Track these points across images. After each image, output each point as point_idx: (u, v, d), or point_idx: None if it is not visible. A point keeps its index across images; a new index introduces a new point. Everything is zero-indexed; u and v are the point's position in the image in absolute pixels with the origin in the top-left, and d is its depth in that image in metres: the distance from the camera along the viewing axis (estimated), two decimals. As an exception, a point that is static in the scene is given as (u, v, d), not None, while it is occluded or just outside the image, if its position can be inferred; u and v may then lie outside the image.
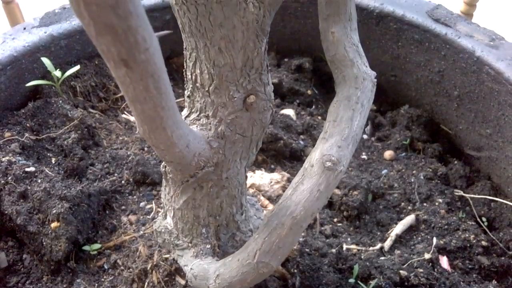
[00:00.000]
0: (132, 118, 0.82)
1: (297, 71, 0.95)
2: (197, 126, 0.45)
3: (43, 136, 0.78)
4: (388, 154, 0.84)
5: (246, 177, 0.51)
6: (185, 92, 0.48)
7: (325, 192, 0.38)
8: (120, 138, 0.83)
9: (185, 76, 0.47)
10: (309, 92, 0.94)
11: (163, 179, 0.49)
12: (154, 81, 0.29)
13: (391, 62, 0.92)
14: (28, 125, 0.79)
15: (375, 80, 0.43)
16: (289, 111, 0.87)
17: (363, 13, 0.87)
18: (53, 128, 0.80)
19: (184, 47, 0.46)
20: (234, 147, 0.46)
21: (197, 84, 0.46)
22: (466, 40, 0.77)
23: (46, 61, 0.81)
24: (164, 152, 0.39)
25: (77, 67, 0.82)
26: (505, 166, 0.80)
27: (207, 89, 0.45)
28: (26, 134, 0.77)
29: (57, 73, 0.80)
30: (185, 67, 0.47)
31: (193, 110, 0.47)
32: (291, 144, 0.79)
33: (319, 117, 0.89)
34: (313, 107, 0.94)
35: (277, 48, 1.02)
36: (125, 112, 0.80)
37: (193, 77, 0.46)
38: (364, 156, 0.85)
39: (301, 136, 0.83)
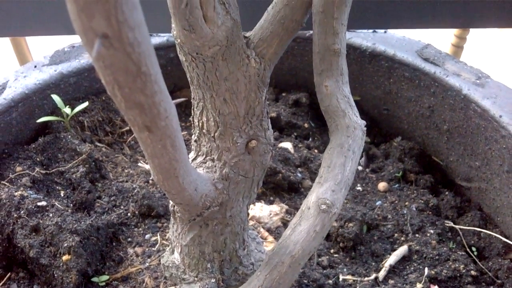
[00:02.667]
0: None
1: (294, 105, 1.00)
2: (203, 169, 0.50)
3: (53, 170, 0.82)
4: (382, 185, 0.88)
5: (248, 214, 0.55)
6: (192, 136, 0.52)
7: (321, 232, 0.42)
8: (126, 171, 0.87)
9: (192, 122, 0.51)
10: (306, 125, 0.98)
11: (171, 217, 0.52)
12: (171, 140, 0.33)
13: (383, 96, 0.97)
14: (38, 159, 0.83)
15: (365, 128, 0.47)
16: (287, 144, 0.91)
17: (357, 51, 0.92)
18: (62, 162, 0.84)
19: (192, 97, 0.50)
20: (237, 187, 0.50)
21: (204, 130, 0.50)
22: (453, 79, 0.82)
23: (56, 98, 0.85)
24: (175, 196, 0.43)
25: (86, 104, 0.87)
26: (494, 197, 0.84)
27: (212, 135, 0.50)
28: (37, 169, 0.80)
29: (67, 110, 0.84)
30: (192, 114, 0.51)
31: (199, 154, 0.51)
32: (289, 177, 0.83)
33: (316, 150, 0.93)
34: (310, 139, 0.98)
35: (275, 83, 1.07)
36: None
37: (200, 124, 0.50)
38: (359, 188, 0.89)
39: (299, 169, 0.87)
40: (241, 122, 0.49)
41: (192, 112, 0.51)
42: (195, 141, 0.51)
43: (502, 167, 0.78)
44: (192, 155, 0.52)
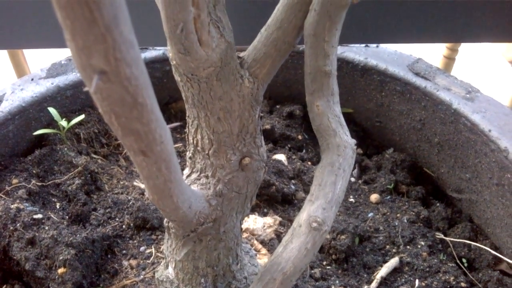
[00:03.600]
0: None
1: (288, 117, 1.01)
2: (197, 186, 0.51)
3: (49, 182, 0.83)
4: (374, 197, 0.89)
5: (241, 229, 0.56)
6: (187, 153, 0.53)
7: (312, 249, 0.43)
8: (121, 182, 0.88)
9: (187, 139, 0.53)
10: (299, 137, 1.00)
11: (165, 233, 0.54)
12: (166, 163, 0.34)
13: (375, 109, 0.99)
14: (34, 171, 0.84)
15: (355, 147, 0.48)
16: (281, 156, 0.92)
17: (349, 65, 0.94)
18: (58, 174, 0.84)
19: (187, 115, 0.51)
20: (230, 203, 0.52)
21: (198, 148, 0.51)
22: (444, 93, 0.84)
23: (52, 110, 0.86)
24: (169, 214, 0.44)
25: (82, 116, 0.88)
26: (484, 208, 0.86)
27: (207, 152, 0.51)
28: (33, 181, 0.81)
29: (63, 122, 0.85)
30: (187, 132, 0.52)
31: (194, 170, 0.52)
32: (283, 189, 0.84)
33: (309, 162, 0.95)
34: (304, 151, 0.99)
35: (269, 95, 1.08)
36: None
37: (195, 142, 0.51)
38: (351, 199, 0.90)
39: (292, 181, 0.89)
40: (234, 140, 0.50)
41: (187, 130, 0.52)
42: (190, 158, 0.53)
43: (492, 180, 0.80)
44: (186, 171, 0.53)
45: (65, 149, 0.86)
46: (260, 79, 0.51)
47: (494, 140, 0.75)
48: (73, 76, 0.90)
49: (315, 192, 0.45)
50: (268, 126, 0.98)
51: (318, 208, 0.44)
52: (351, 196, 0.91)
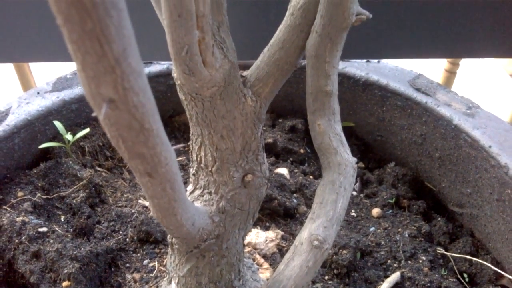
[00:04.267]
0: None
1: (290, 131, 1.02)
2: (201, 202, 0.52)
3: (54, 195, 0.84)
4: (375, 211, 0.90)
5: (244, 245, 0.57)
6: (191, 170, 0.54)
7: (313, 267, 0.43)
8: (125, 195, 0.89)
9: (190, 156, 0.54)
10: (301, 150, 1.00)
11: (169, 249, 0.54)
12: (170, 184, 0.35)
13: (377, 124, 1.00)
14: (39, 184, 0.85)
15: (356, 165, 0.49)
16: (283, 170, 0.93)
17: (351, 81, 0.95)
18: (63, 187, 0.85)
19: (191, 133, 0.52)
20: (233, 220, 0.52)
21: (202, 165, 0.52)
22: (444, 109, 0.85)
23: (58, 124, 0.88)
24: (173, 231, 0.44)
25: (87, 130, 0.89)
26: (485, 223, 0.86)
27: (210, 169, 0.52)
28: (38, 194, 0.82)
29: (68, 136, 0.86)
30: (191, 149, 0.53)
31: (197, 187, 0.53)
32: (285, 203, 0.85)
33: (311, 176, 0.95)
34: (306, 165, 1.00)
35: (272, 108, 1.09)
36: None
37: (198, 159, 0.52)
38: (353, 213, 0.91)
39: (294, 195, 0.89)
40: (237, 157, 0.51)
41: (191, 147, 0.53)
42: (193, 174, 0.53)
43: (492, 195, 0.81)
44: (190, 188, 0.54)
45: (70, 162, 0.87)
46: (263, 98, 0.52)
47: (494, 156, 0.76)
48: (78, 90, 0.92)
49: (316, 210, 0.46)
50: (270, 140, 0.99)
51: (319, 226, 0.44)
52: (352, 210, 0.92)
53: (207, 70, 0.45)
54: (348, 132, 1.07)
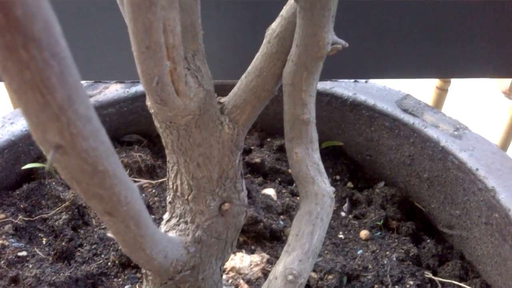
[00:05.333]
0: None
1: (279, 150, 1.01)
2: (176, 232, 0.50)
3: (36, 217, 0.82)
4: (363, 233, 0.89)
5: (221, 275, 0.55)
6: (167, 197, 0.53)
7: (288, 302, 0.42)
8: (109, 217, 0.87)
9: (167, 184, 0.53)
10: (290, 170, 0.99)
11: (143, 279, 0.53)
12: (134, 221, 0.34)
13: (365, 143, 0.99)
14: (22, 206, 0.83)
15: (333, 195, 0.48)
16: (270, 191, 0.92)
17: (338, 100, 0.95)
18: (46, 209, 0.84)
19: (167, 160, 0.51)
20: (210, 250, 0.51)
21: (178, 193, 0.51)
22: (432, 130, 0.84)
23: (42, 145, 0.86)
24: (144, 264, 0.43)
25: (71, 151, 0.88)
26: (475, 245, 0.85)
27: (186, 197, 0.51)
28: (20, 216, 0.81)
29: (52, 157, 0.85)
30: (167, 176, 0.52)
31: (173, 215, 0.52)
32: (271, 225, 0.84)
33: (298, 197, 0.94)
34: (294, 185, 0.99)
35: (261, 127, 1.09)
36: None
37: (174, 187, 0.51)
38: (341, 236, 0.89)
39: (281, 217, 0.88)
40: (214, 185, 0.50)
41: (167, 174, 0.52)
42: (170, 202, 0.52)
43: (481, 218, 0.79)
44: (166, 216, 0.53)
45: (53, 183, 0.86)
46: (241, 125, 0.51)
47: (481, 179, 0.75)
48: (63, 110, 0.91)
49: (292, 242, 0.45)
50: (258, 160, 0.98)
51: (294, 260, 0.43)
52: (340, 232, 0.90)
53: (180, 100, 0.44)
54: (338, 151, 1.06)
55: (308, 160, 0.48)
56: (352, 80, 0.96)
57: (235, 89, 0.51)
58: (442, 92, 1.28)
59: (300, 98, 0.47)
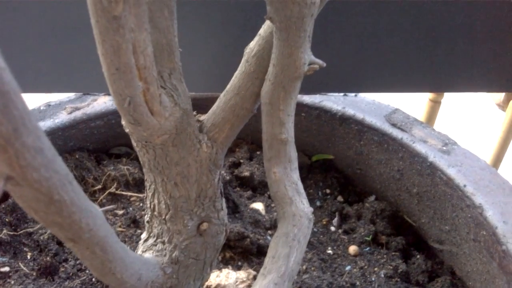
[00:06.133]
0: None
1: (268, 164, 1.00)
2: (153, 252, 0.50)
3: (21, 231, 0.82)
4: (352, 249, 0.88)
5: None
6: (145, 217, 0.52)
7: (262, 327, 0.41)
8: (95, 231, 0.86)
9: (145, 203, 0.52)
10: (279, 184, 0.99)
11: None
12: (100, 246, 0.33)
13: (355, 157, 0.98)
14: (7, 220, 0.83)
15: (312, 216, 0.48)
16: (259, 205, 0.91)
17: (327, 114, 0.94)
18: (31, 223, 0.83)
19: (145, 179, 0.51)
20: (187, 270, 0.50)
21: (155, 213, 0.50)
22: (420, 145, 0.84)
23: (28, 158, 0.86)
24: (116, 287, 0.42)
25: (58, 164, 0.87)
26: (464, 261, 0.84)
27: (163, 217, 0.50)
28: (5, 230, 0.80)
29: (38, 171, 0.84)
30: (145, 195, 0.52)
31: (151, 235, 0.51)
32: (258, 241, 0.83)
33: (287, 212, 0.93)
34: (283, 199, 0.98)
35: (251, 139, 1.08)
36: None
37: (152, 206, 0.51)
38: (329, 251, 0.88)
39: (269, 232, 0.87)
40: (192, 205, 0.50)
41: (145, 193, 0.51)
42: (147, 222, 0.52)
43: (469, 235, 0.79)
44: (144, 235, 0.52)
45: (39, 197, 0.85)
46: (219, 143, 0.50)
47: (469, 196, 0.74)
48: (50, 122, 0.91)
49: (268, 265, 0.44)
50: (247, 173, 0.97)
51: (269, 283, 0.42)
52: (329, 248, 0.90)
53: (155, 119, 0.44)
54: (328, 165, 1.06)
55: (287, 180, 0.47)
56: (342, 94, 0.96)
57: (214, 107, 0.51)
58: (435, 104, 1.27)
59: (278, 118, 0.46)
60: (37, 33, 0.91)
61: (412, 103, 1.46)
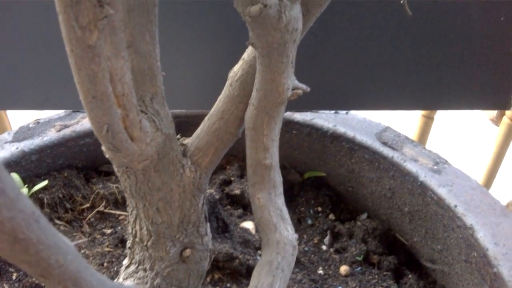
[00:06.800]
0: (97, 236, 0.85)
1: (259, 182, 0.99)
2: (134, 280, 0.49)
3: (5, 252, 0.80)
4: (343, 269, 0.87)
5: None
6: (127, 242, 0.51)
7: None
8: (82, 251, 0.85)
9: (127, 229, 0.51)
10: (270, 202, 0.98)
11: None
12: (73, 281, 0.32)
13: (347, 175, 0.98)
14: (-9, 240, 0.81)
15: (296, 243, 0.47)
16: (249, 224, 0.90)
17: (319, 132, 0.94)
18: (16, 243, 0.82)
19: (127, 204, 0.50)
20: (170, 298, 0.49)
21: (137, 239, 0.49)
22: (411, 164, 0.83)
23: (15, 176, 0.85)
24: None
25: (45, 183, 0.86)
26: (457, 281, 0.83)
27: (145, 243, 0.49)
28: (-12, 250, 0.79)
29: (24, 190, 0.83)
30: (127, 221, 0.51)
31: (132, 262, 0.50)
32: (248, 261, 0.82)
33: (278, 231, 0.92)
34: (274, 217, 0.97)
35: (243, 156, 1.07)
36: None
37: (133, 232, 0.49)
38: (320, 271, 0.87)
39: (259, 252, 0.86)
40: (175, 231, 0.49)
41: (127, 218, 0.50)
42: (129, 248, 0.51)
43: (461, 255, 0.78)
44: (126, 262, 0.51)
45: (26, 216, 0.84)
46: (203, 168, 0.50)
47: (460, 217, 0.74)
48: (38, 140, 0.90)
49: (250, 294, 0.43)
50: (237, 191, 0.96)
51: (251, 313, 0.41)
52: (320, 268, 0.88)
53: (136, 145, 0.43)
54: (320, 182, 1.05)
55: (271, 206, 0.46)
56: (333, 112, 0.96)
57: (198, 131, 0.50)
58: (428, 120, 1.27)
59: (262, 143, 0.46)
60: (27, 50, 0.90)
61: (405, 118, 1.46)
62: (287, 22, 0.37)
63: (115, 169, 0.47)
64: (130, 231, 0.50)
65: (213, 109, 0.49)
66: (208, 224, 0.52)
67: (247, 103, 0.47)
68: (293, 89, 0.44)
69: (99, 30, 0.31)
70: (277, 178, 0.47)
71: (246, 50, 0.47)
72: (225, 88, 0.48)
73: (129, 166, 0.45)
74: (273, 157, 0.46)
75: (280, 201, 0.47)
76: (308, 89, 0.44)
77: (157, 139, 0.44)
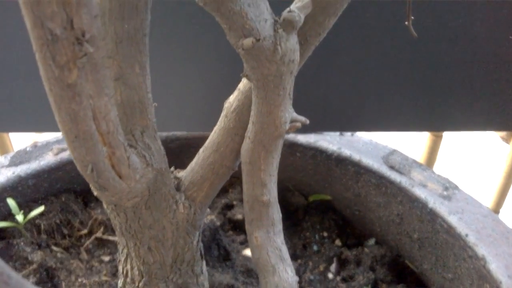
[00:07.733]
0: (95, 264, 0.82)
1: (262, 206, 0.96)
2: (125, 323, 0.46)
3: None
4: (349, 299, 0.83)
5: None
6: (119, 282, 0.49)
7: None
8: (79, 280, 0.82)
9: (118, 268, 0.48)
10: (274, 227, 0.94)
11: None
12: None
13: (353, 198, 0.94)
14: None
15: (297, 286, 0.44)
16: (251, 251, 0.87)
17: (323, 155, 0.91)
18: (14, 270, 0.79)
19: (117, 242, 0.47)
20: None
21: (128, 279, 0.46)
22: (419, 190, 0.80)
23: (11, 202, 0.83)
24: None
25: (41, 208, 0.84)
26: (469, 312, 0.79)
27: (137, 284, 0.46)
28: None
29: (19, 217, 0.81)
30: (118, 260, 0.48)
31: (124, 303, 0.47)
32: (249, 291, 0.78)
33: (281, 258, 0.89)
34: (278, 242, 0.94)
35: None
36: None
37: (125, 272, 0.47)
38: (325, 301, 0.83)
39: (261, 280, 0.83)
40: (168, 271, 0.46)
41: (118, 257, 0.48)
42: (120, 288, 0.48)
43: (472, 286, 0.74)
44: (116, 303, 0.48)
45: (22, 243, 0.82)
46: (198, 203, 0.47)
47: (471, 247, 0.70)
48: (35, 164, 0.88)
49: None
50: (240, 216, 0.93)
51: None
52: (325, 297, 0.85)
53: (124, 183, 0.40)
54: (326, 206, 1.02)
55: (269, 245, 0.43)
56: (338, 133, 0.93)
57: (192, 164, 0.48)
58: (437, 138, 1.24)
59: (259, 178, 0.43)
60: (25, 72, 0.89)
61: (412, 136, 1.43)
62: (283, 54, 0.34)
63: (105, 206, 0.45)
64: (121, 270, 0.47)
65: (208, 141, 0.46)
66: (204, 262, 0.49)
67: (243, 135, 0.44)
68: (291, 122, 0.41)
69: (79, 69, 0.29)
70: (276, 215, 0.44)
71: (242, 79, 0.44)
72: (220, 119, 0.46)
73: (118, 204, 0.42)
74: (271, 193, 0.43)
75: (279, 239, 0.44)
76: (307, 122, 0.42)
77: (148, 175, 0.42)
